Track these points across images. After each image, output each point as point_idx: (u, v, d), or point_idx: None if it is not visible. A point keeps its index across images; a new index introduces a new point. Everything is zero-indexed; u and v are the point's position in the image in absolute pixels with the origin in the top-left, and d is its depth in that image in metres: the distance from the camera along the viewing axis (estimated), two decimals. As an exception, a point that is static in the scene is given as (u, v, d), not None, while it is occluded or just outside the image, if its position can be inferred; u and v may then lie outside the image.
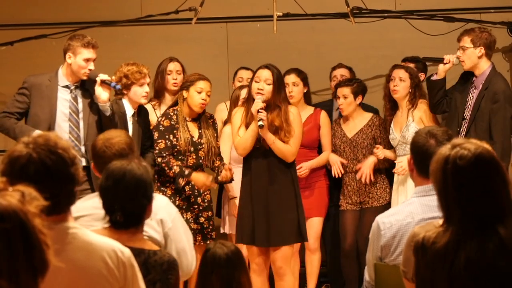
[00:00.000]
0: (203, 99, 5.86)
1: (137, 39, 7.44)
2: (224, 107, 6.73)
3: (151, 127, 5.94)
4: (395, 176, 6.14)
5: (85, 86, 5.62)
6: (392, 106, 6.22)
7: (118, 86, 5.51)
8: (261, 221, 5.36)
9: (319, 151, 6.47)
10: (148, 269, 3.14)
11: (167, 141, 5.85)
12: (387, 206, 6.15)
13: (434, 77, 6.04)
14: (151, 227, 3.53)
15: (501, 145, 5.63)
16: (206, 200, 5.96)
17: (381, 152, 6.14)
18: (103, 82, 5.46)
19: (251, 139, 5.37)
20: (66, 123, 5.54)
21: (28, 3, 7.55)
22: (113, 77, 5.62)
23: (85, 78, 5.56)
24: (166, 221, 3.62)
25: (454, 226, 2.57)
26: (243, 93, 6.21)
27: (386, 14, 7.09)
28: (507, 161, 5.67)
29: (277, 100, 5.39)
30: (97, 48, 5.59)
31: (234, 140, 5.51)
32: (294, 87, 6.41)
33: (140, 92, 5.75)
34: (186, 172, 5.76)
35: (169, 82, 6.28)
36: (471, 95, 5.89)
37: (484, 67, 5.87)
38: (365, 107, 6.52)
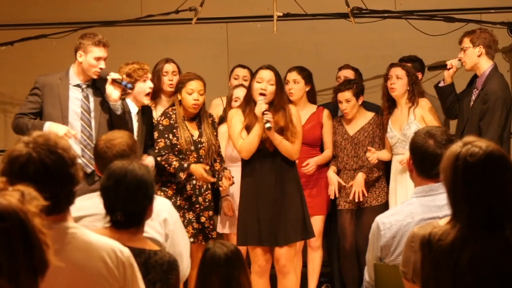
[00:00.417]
0: (195, 100, 5.86)
1: (137, 39, 7.45)
2: (220, 102, 6.73)
3: (150, 127, 5.97)
4: (391, 175, 6.16)
5: (96, 85, 5.59)
6: (391, 105, 6.24)
7: (129, 85, 5.49)
8: (268, 222, 5.34)
9: (321, 149, 6.49)
10: (148, 269, 3.14)
11: (166, 140, 5.85)
12: (385, 205, 6.18)
13: (441, 84, 6.08)
14: (153, 228, 3.53)
15: None
16: (207, 200, 5.97)
17: (374, 157, 6.15)
18: (114, 81, 5.44)
19: (256, 141, 5.34)
20: (78, 122, 5.51)
21: (28, 3, 7.56)
22: (124, 76, 5.62)
23: (95, 77, 5.54)
24: (168, 222, 3.62)
25: (462, 223, 2.57)
26: (236, 92, 6.23)
27: (386, 14, 7.10)
28: None
29: (281, 100, 5.40)
30: (108, 46, 5.57)
31: (236, 144, 5.45)
32: (294, 84, 6.42)
33: (144, 88, 5.77)
34: (185, 165, 5.77)
35: (165, 83, 6.27)
36: (473, 96, 5.92)
37: (484, 67, 5.88)
38: (366, 105, 6.52)
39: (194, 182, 5.90)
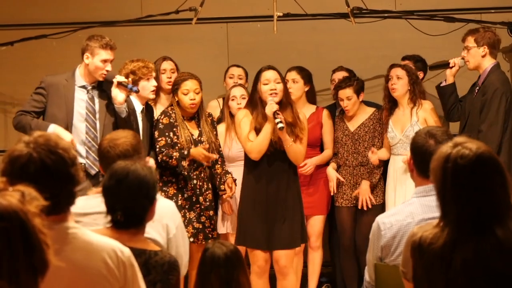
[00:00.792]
0: (192, 99, 5.87)
1: (137, 39, 7.44)
2: (216, 103, 6.74)
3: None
4: (389, 175, 6.17)
5: (102, 87, 5.59)
6: (392, 106, 6.24)
7: (135, 88, 5.48)
8: (268, 226, 5.33)
9: (321, 149, 6.49)
10: (148, 270, 3.14)
11: (167, 139, 5.86)
12: (384, 204, 6.18)
13: (443, 84, 6.08)
14: (155, 230, 3.53)
15: (484, 135, 5.67)
16: (208, 200, 5.97)
17: (375, 158, 6.16)
18: (119, 84, 5.44)
19: (266, 142, 5.29)
20: (83, 124, 5.50)
21: (28, 3, 7.56)
22: (130, 79, 5.62)
23: (102, 79, 5.54)
24: (171, 227, 3.63)
25: (451, 225, 2.56)
26: (233, 91, 6.25)
27: (386, 14, 7.10)
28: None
29: (288, 97, 5.41)
30: (115, 49, 5.57)
31: (245, 145, 5.38)
32: (293, 84, 6.42)
33: (148, 86, 5.79)
34: (185, 152, 5.78)
35: (164, 81, 6.28)
36: (475, 93, 5.94)
37: (486, 66, 5.89)
38: (367, 104, 6.52)
39: (195, 182, 5.91)
